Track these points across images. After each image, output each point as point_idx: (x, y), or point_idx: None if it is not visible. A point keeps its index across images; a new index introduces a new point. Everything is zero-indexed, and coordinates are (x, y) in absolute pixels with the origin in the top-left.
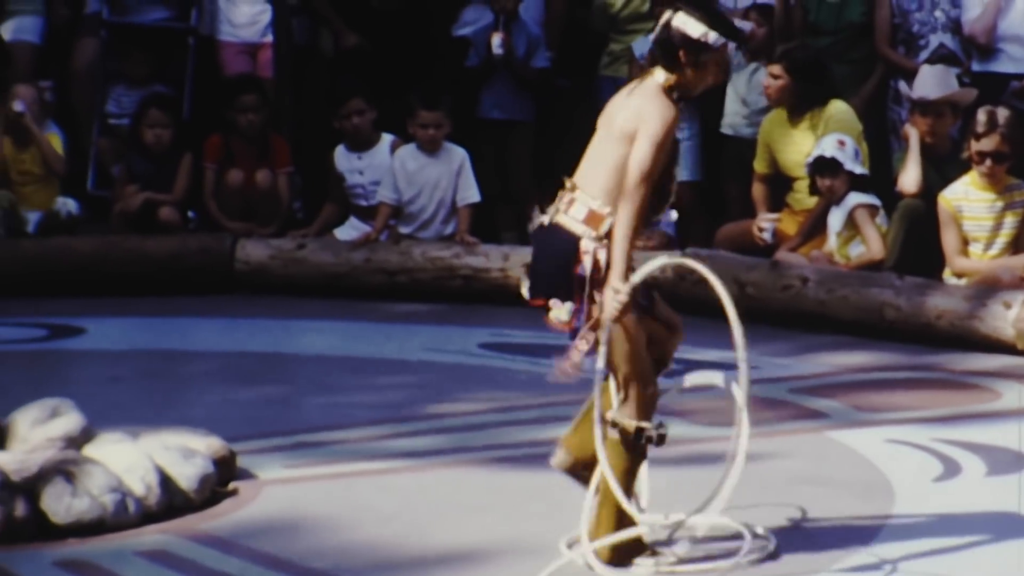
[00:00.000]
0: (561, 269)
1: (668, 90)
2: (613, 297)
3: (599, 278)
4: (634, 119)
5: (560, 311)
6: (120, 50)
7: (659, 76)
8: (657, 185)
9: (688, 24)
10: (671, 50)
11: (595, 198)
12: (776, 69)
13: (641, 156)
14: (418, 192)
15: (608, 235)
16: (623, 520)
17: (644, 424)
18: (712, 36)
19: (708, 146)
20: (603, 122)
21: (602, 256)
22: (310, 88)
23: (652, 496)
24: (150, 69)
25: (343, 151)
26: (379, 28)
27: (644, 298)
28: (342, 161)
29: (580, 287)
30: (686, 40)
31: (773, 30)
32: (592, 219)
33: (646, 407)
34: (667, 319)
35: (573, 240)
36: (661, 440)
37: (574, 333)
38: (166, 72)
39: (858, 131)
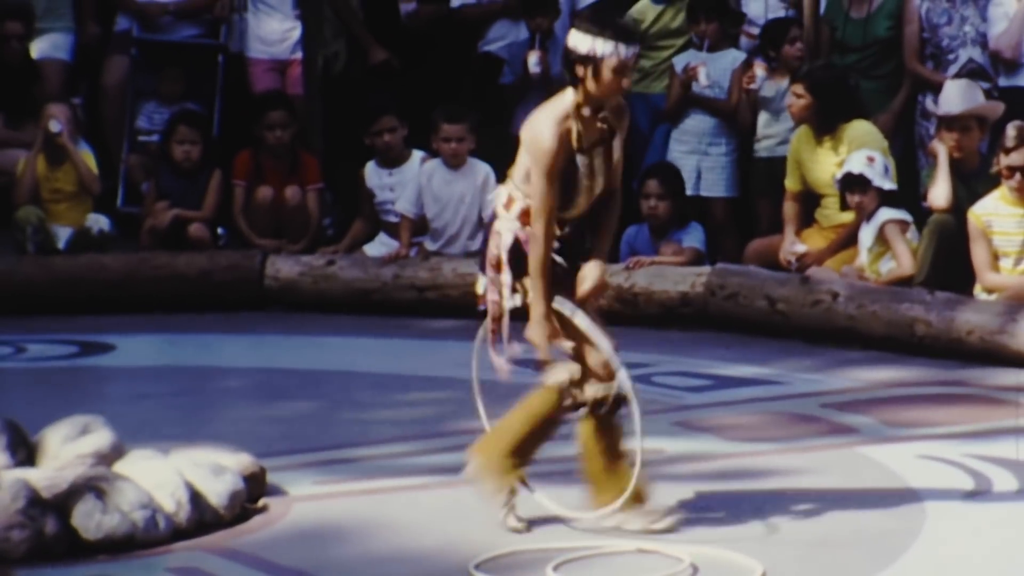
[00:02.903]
0: (484, 247)
1: (579, 106)
2: (538, 333)
3: (502, 259)
4: (525, 139)
5: (479, 283)
6: (150, 67)
7: (568, 95)
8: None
9: (578, 40)
10: (570, 68)
11: (515, 186)
12: (799, 88)
13: (535, 192)
14: (443, 208)
15: (520, 217)
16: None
17: (601, 393)
18: (599, 46)
19: (741, 163)
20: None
21: (508, 237)
22: (340, 105)
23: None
24: (180, 86)
25: (374, 167)
26: (408, 45)
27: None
28: (372, 177)
29: (487, 262)
30: (577, 55)
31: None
32: (508, 203)
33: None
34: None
35: (491, 222)
36: (616, 404)
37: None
38: (196, 89)
39: (883, 147)
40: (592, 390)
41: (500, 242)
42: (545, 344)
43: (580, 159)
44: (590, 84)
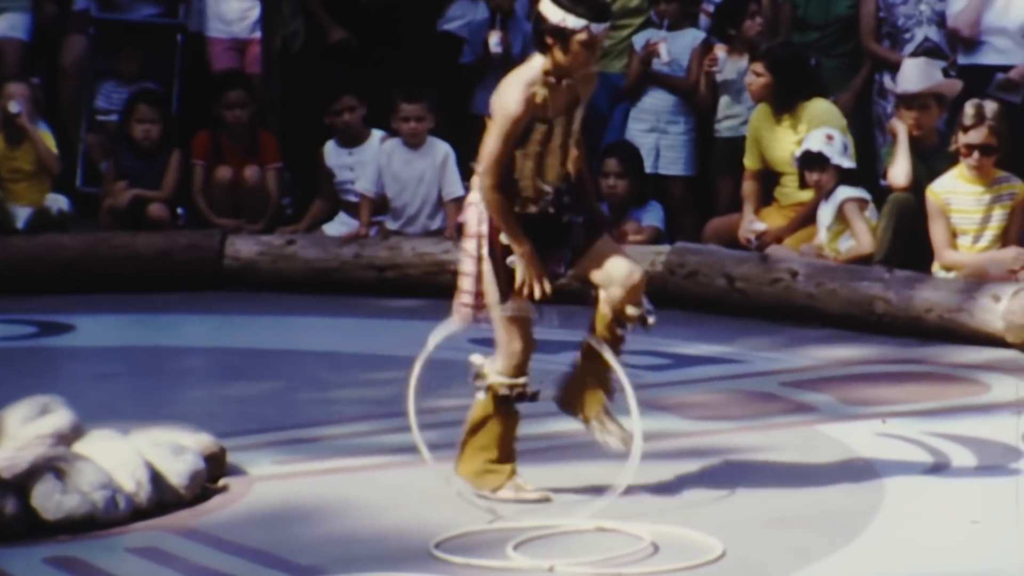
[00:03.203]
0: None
1: (547, 73)
2: (526, 270)
3: (472, 232)
4: (493, 103)
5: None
6: (109, 47)
7: (537, 60)
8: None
9: (549, 10)
10: (540, 35)
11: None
12: (758, 67)
13: (487, 147)
14: (403, 187)
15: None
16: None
17: (517, 381)
18: (571, 20)
19: (700, 142)
20: None
21: (474, 212)
22: (299, 84)
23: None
24: (139, 65)
25: (333, 147)
26: (366, 24)
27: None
28: (332, 157)
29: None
30: (548, 26)
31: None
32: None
33: (516, 365)
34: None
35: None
36: (534, 397)
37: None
38: (155, 68)
39: (842, 126)
40: (503, 380)
41: (477, 214)
42: (538, 278)
43: (539, 125)
44: (558, 55)
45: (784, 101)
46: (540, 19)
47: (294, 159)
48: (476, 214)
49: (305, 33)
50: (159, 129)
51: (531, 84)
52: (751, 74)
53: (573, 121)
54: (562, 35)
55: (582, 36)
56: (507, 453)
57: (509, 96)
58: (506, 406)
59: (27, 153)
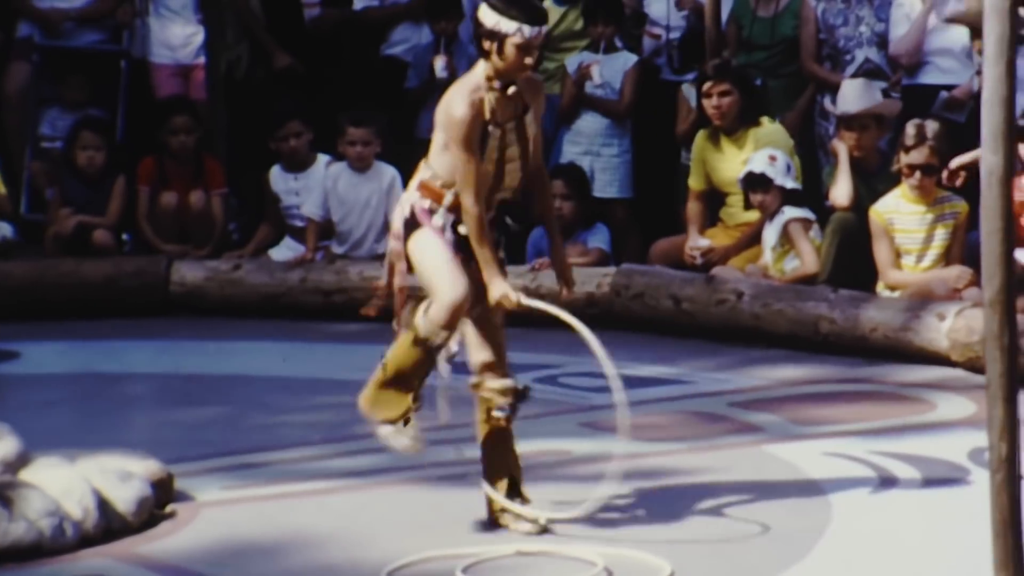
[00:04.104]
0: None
1: (489, 79)
2: (500, 290)
3: (398, 229)
4: (439, 115)
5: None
6: (53, 73)
7: (480, 67)
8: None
9: (485, 14)
10: (478, 40)
11: (425, 164)
12: (724, 86)
13: (456, 164)
14: (349, 211)
15: (420, 188)
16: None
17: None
18: (503, 23)
19: (640, 162)
20: None
21: (405, 207)
22: (244, 109)
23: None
24: (83, 92)
25: (279, 172)
26: (311, 49)
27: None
28: (278, 182)
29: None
30: (483, 30)
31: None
32: (422, 187)
33: (448, 317)
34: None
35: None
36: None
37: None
38: (99, 95)
39: (790, 146)
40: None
41: (399, 213)
42: (512, 295)
43: (493, 130)
44: (495, 59)
45: (748, 117)
46: (477, 24)
47: (239, 184)
48: (399, 213)
49: (249, 58)
50: (103, 156)
51: (475, 90)
52: (715, 96)
53: (525, 128)
54: (497, 39)
55: (515, 39)
56: (408, 389)
57: (454, 103)
58: (423, 348)
59: None
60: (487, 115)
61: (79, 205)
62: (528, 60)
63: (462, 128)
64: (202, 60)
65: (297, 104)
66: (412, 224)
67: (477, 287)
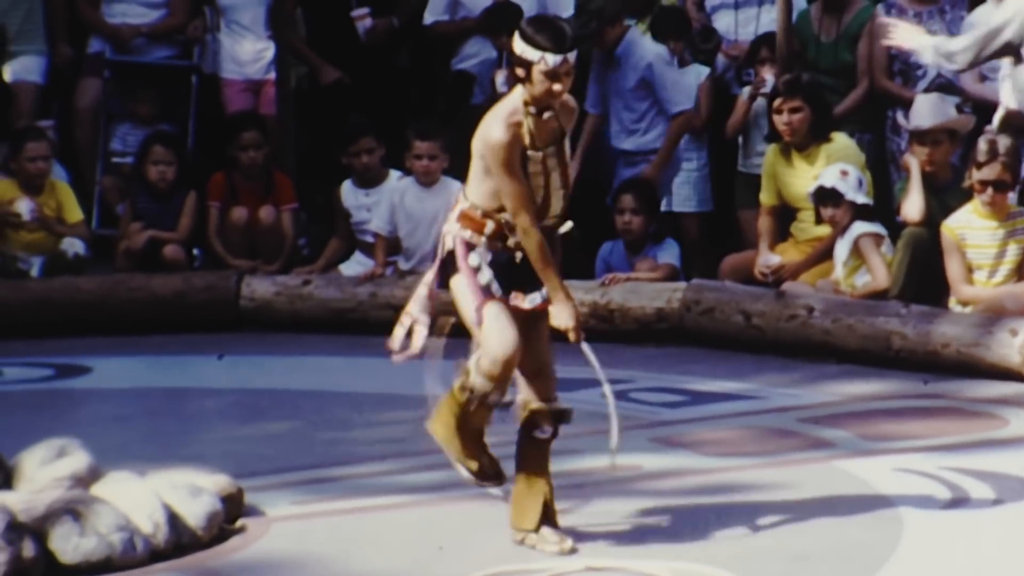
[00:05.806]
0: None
1: (526, 104)
2: (565, 315)
3: (446, 259)
4: (476, 143)
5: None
6: (123, 89)
7: (517, 92)
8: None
9: (516, 41)
10: (512, 67)
11: (462, 193)
12: (796, 102)
13: (504, 188)
14: (415, 226)
15: (460, 219)
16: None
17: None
18: (529, 51)
19: (718, 177)
20: None
21: (448, 240)
22: (313, 124)
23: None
24: (154, 107)
25: (350, 187)
26: (371, 63)
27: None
28: (349, 197)
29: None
30: (515, 58)
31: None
32: (462, 217)
33: (501, 371)
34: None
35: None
36: (506, 406)
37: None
38: (170, 110)
39: (861, 162)
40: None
41: (443, 244)
42: (575, 325)
43: (533, 155)
44: (528, 86)
45: (819, 134)
46: (510, 51)
47: (309, 199)
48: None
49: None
50: (174, 171)
51: (512, 114)
52: (786, 112)
53: (564, 153)
54: (525, 66)
55: (541, 67)
56: (475, 440)
57: (492, 129)
58: (479, 403)
59: (49, 199)
60: (526, 140)
61: (150, 220)
62: (556, 87)
63: (502, 152)
64: (272, 76)
65: (369, 120)
66: (450, 264)
67: (524, 321)
